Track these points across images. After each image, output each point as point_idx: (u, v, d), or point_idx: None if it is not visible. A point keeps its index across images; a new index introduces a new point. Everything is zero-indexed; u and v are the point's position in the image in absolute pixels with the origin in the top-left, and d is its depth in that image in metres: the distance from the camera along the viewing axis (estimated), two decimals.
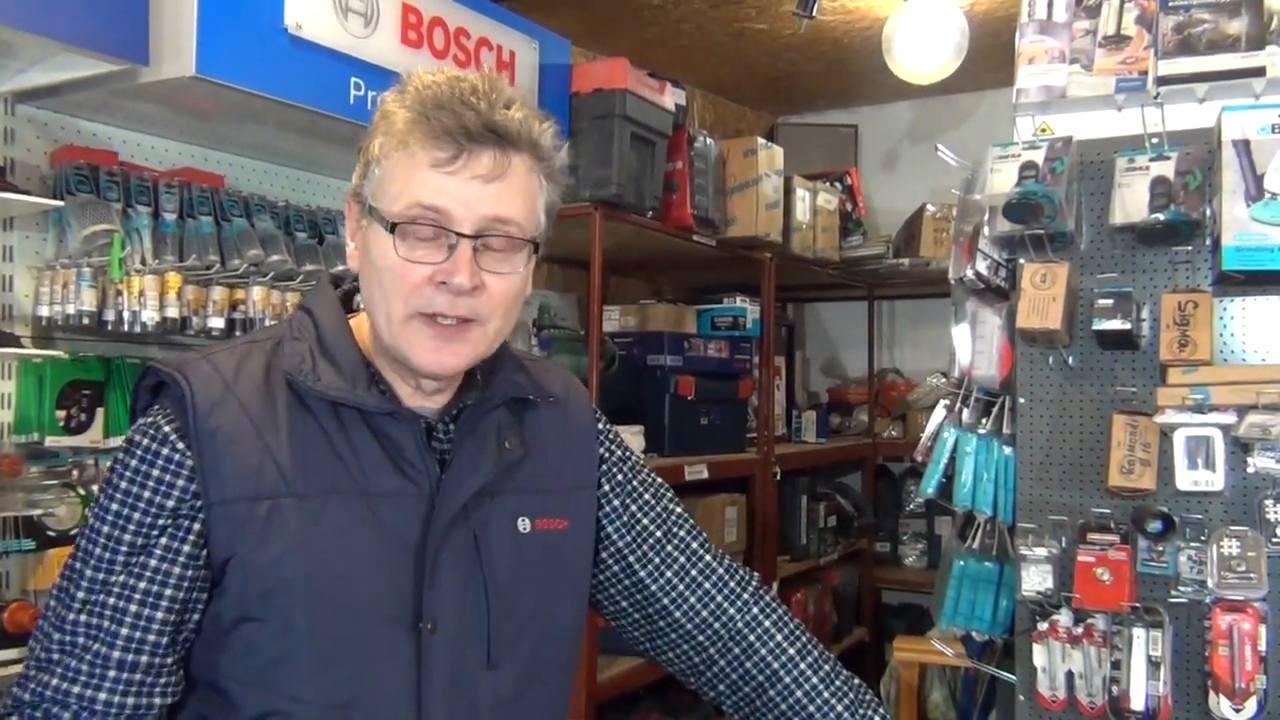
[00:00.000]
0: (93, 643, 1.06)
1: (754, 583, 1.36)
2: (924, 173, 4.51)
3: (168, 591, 1.08)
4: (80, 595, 1.08)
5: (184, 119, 2.29)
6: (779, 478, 3.63)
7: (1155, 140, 1.79)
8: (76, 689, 1.05)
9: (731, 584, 1.33)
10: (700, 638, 1.31)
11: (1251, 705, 1.62)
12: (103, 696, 1.06)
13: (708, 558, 1.34)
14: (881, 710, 1.32)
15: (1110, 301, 1.74)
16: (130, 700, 1.07)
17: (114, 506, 1.08)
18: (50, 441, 2.11)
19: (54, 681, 1.06)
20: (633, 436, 2.95)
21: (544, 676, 1.21)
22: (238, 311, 2.33)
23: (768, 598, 1.35)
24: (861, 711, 1.30)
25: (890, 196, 4.76)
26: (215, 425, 1.09)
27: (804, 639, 1.33)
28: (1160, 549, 1.70)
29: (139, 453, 1.09)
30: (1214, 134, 1.72)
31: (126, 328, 2.13)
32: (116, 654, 1.06)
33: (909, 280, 4.35)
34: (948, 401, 1.99)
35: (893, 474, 4.76)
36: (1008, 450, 1.87)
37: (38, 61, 2.01)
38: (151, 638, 1.07)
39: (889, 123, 4.93)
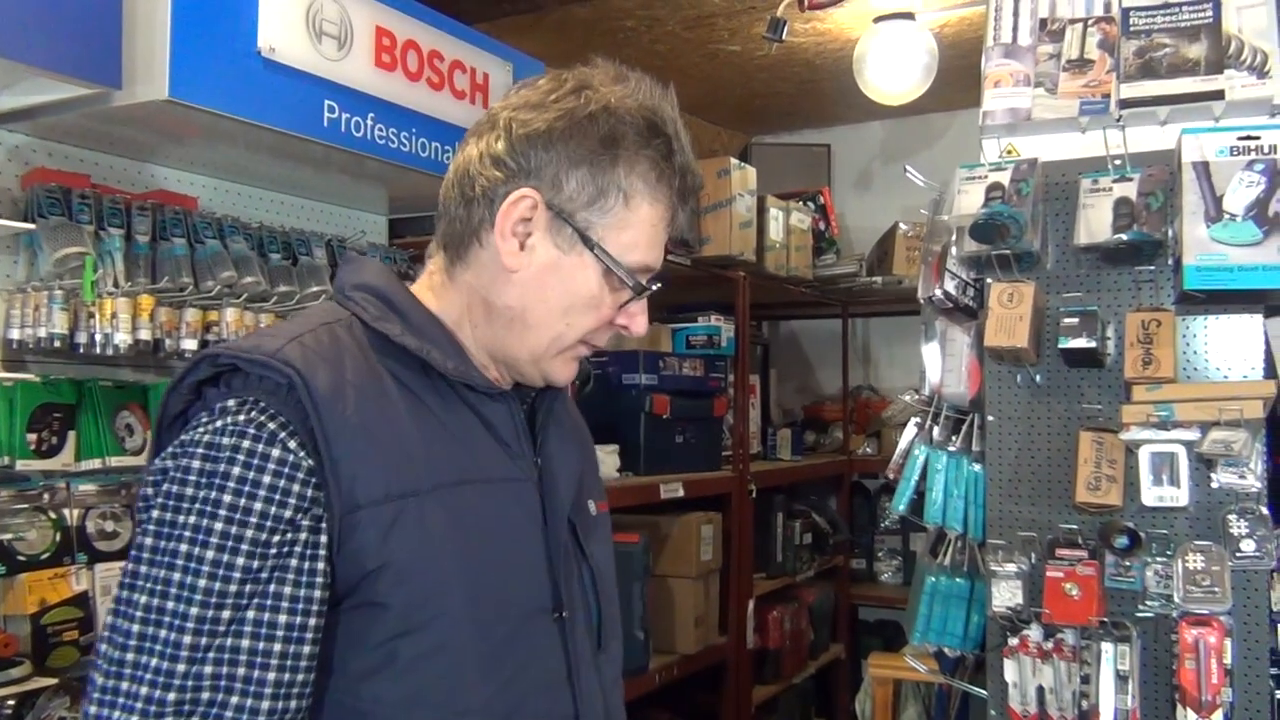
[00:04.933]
0: (231, 696, 0.91)
1: None
2: (896, 192, 4.55)
3: (311, 621, 0.95)
4: (188, 640, 0.90)
5: (157, 142, 2.29)
6: (754, 495, 3.65)
7: (1118, 162, 1.82)
8: None
9: None
10: None
11: (1218, 718, 1.64)
12: None
13: None
14: None
15: (1076, 320, 1.76)
16: None
17: (219, 526, 0.92)
18: (21, 465, 2.09)
19: None
20: (608, 455, 2.96)
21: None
22: (211, 333, 2.32)
23: None
24: None
25: (863, 215, 4.81)
26: (340, 418, 0.98)
27: None
28: (1127, 564, 1.73)
29: (241, 457, 0.94)
30: (1175, 156, 1.75)
31: (99, 350, 2.12)
32: (265, 704, 0.92)
33: (882, 298, 4.39)
34: (918, 419, 2.01)
35: (868, 491, 4.78)
36: (977, 467, 1.90)
37: (9, 85, 2.01)
38: (300, 677, 0.95)
39: (861, 142, 4.98)
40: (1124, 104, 1.85)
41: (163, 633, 0.91)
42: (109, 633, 0.93)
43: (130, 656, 0.91)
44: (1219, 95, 1.78)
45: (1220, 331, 1.75)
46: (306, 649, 0.95)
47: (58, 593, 2.05)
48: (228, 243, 2.39)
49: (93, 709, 0.91)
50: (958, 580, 1.91)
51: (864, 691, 2.40)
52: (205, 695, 0.90)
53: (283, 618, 0.94)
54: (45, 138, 2.21)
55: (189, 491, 0.94)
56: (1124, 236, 1.76)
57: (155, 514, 0.95)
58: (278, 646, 0.93)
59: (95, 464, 2.20)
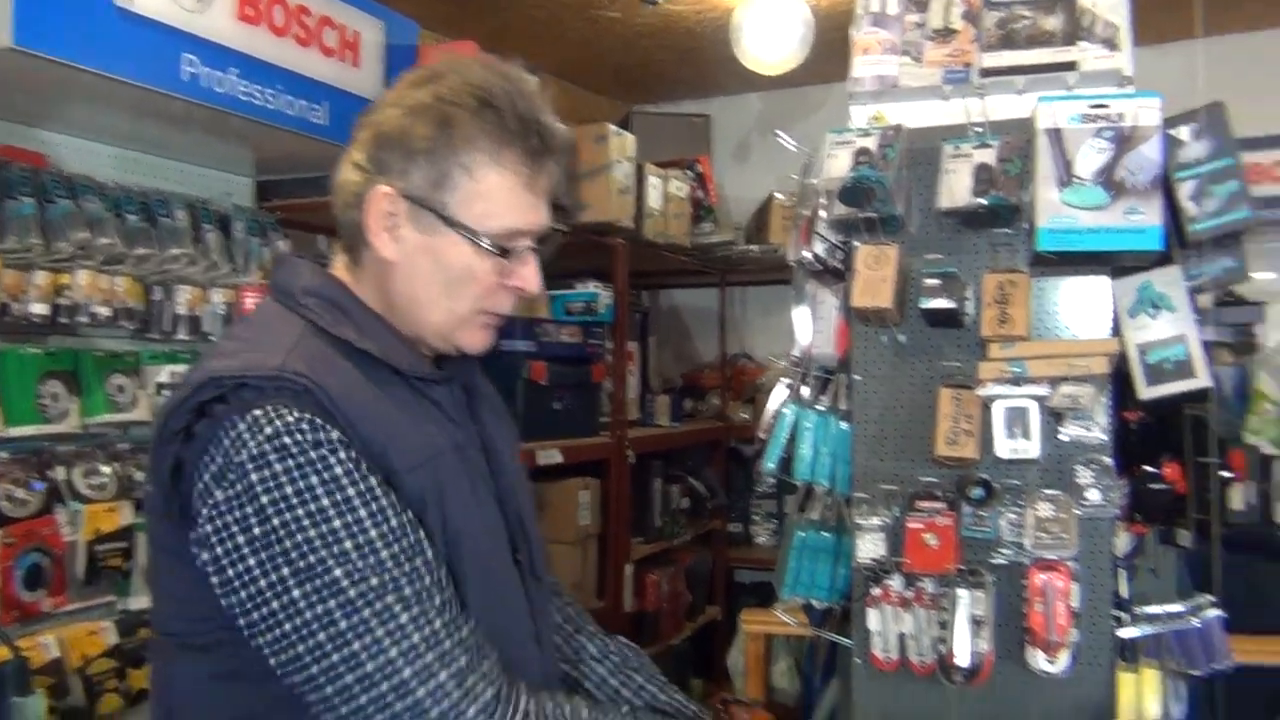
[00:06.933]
0: (434, 596, 1.09)
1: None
2: (774, 163, 4.55)
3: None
4: (395, 572, 1.06)
5: (1, 94, 2.17)
6: (633, 461, 3.68)
7: (978, 129, 1.88)
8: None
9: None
10: None
11: (1065, 657, 1.73)
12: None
13: None
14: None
15: (937, 281, 1.82)
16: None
17: (351, 490, 1.06)
18: None
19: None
20: None
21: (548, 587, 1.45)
22: (63, 297, 2.23)
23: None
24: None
25: (741, 185, 4.87)
26: (357, 409, 1.12)
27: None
28: (982, 514, 1.80)
29: (311, 442, 1.06)
30: (1031, 123, 1.82)
31: None
32: (438, 597, 1.11)
33: (759, 267, 4.46)
34: (789, 380, 2.05)
35: (744, 456, 4.86)
36: (844, 425, 1.95)
37: None
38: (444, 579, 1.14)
39: (740, 114, 5.03)
40: (985, 73, 1.90)
41: (390, 625, 1.04)
42: (343, 663, 1.03)
43: (369, 638, 1.03)
44: (1072, 66, 1.85)
45: (1070, 292, 1.83)
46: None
47: None
48: (81, 202, 2.29)
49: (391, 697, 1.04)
50: (825, 534, 1.96)
51: (736, 647, 2.46)
52: (433, 602, 1.07)
53: (414, 535, 1.11)
54: None
55: (290, 490, 1.04)
56: (983, 201, 1.81)
57: (256, 532, 1.03)
58: (424, 557, 1.11)
59: None
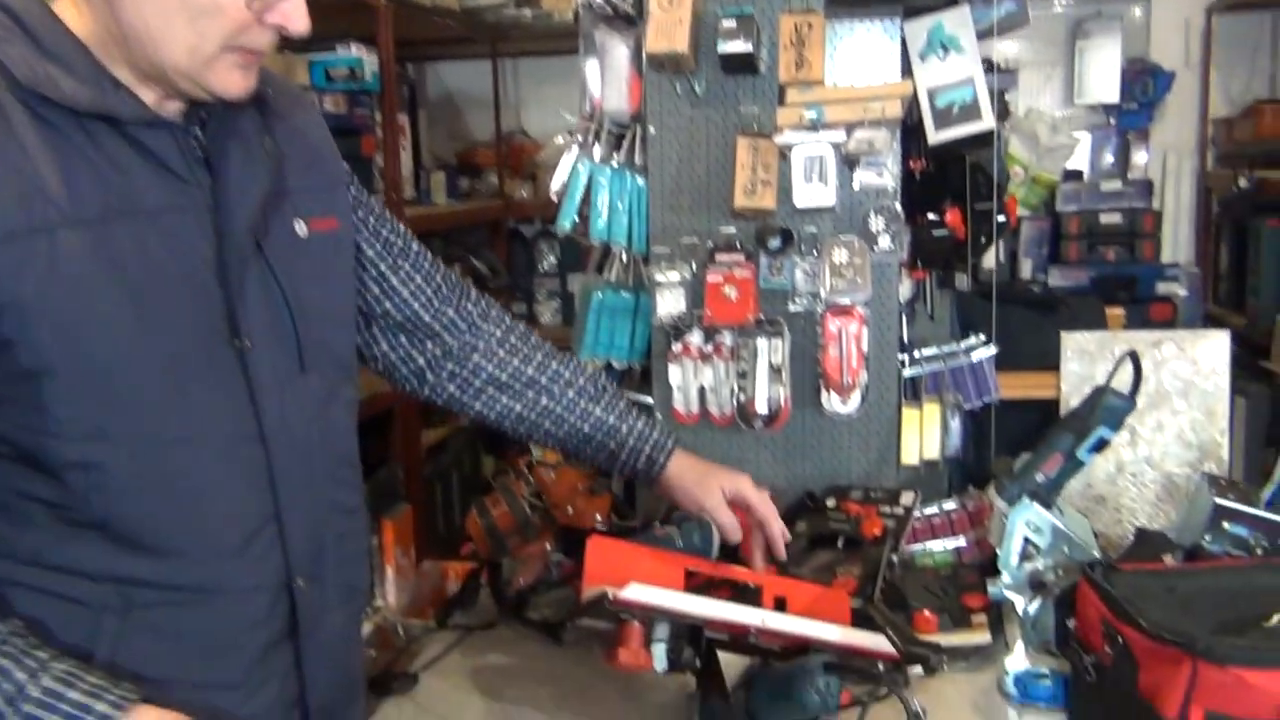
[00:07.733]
0: None
1: (473, 290, 1.53)
2: None
3: None
4: None
5: None
6: None
7: None
8: None
9: (459, 286, 1.51)
10: (446, 337, 1.46)
11: (856, 398, 1.80)
12: None
13: (440, 264, 1.47)
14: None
15: (733, 24, 1.74)
16: None
17: None
18: None
19: None
20: None
21: (344, 378, 1.24)
22: None
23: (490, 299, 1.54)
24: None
25: None
26: None
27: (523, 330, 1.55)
28: (779, 264, 1.81)
29: None
30: None
31: None
32: None
33: (531, 34, 4.23)
34: (580, 138, 1.95)
35: (525, 236, 4.78)
36: (640, 180, 1.88)
37: None
38: None
39: None
40: None
41: None
42: None
43: None
44: None
45: (865, 35, 1.79)
46: None
47: None
48: None
49: None
50: (623, 294, 1.93)
51: None
52: None
53: None
54: None
55: None
56: None
57: None
58: None
59: None
